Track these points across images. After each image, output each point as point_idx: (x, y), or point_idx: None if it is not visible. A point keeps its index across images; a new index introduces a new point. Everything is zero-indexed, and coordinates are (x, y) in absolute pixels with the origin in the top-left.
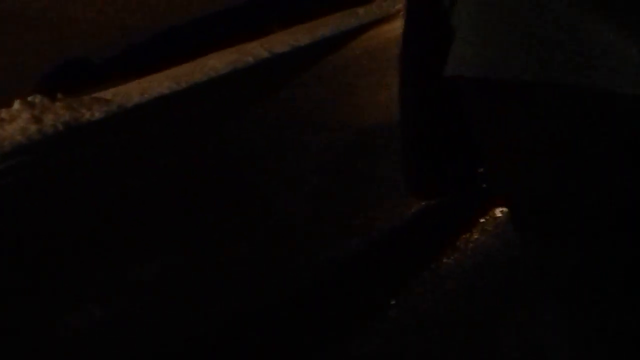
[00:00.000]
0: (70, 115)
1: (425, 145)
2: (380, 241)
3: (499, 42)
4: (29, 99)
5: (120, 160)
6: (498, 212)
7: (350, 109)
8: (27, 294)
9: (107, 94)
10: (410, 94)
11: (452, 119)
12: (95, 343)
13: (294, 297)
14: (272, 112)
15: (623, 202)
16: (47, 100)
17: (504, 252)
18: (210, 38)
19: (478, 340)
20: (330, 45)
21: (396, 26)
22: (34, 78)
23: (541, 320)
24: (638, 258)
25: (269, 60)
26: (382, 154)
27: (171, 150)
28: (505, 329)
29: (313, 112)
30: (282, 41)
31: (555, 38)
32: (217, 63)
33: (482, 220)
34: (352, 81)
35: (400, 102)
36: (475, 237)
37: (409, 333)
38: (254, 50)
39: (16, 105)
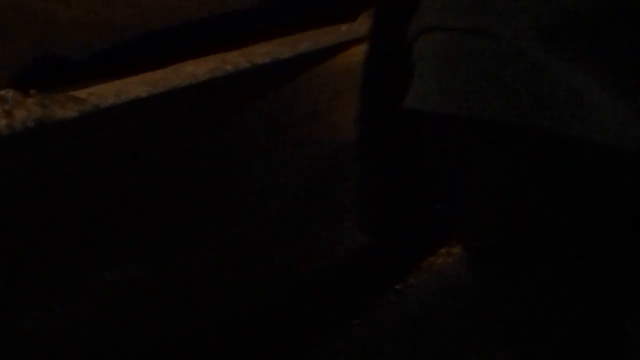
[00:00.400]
0: (42, 112)
1: (380, 179)
2: (345, 260)
3: (461, 79)
4: (1, 92)
5: (91, 160)
6: None
7: (328, 125)
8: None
9: (82, 93)
10: (368, 125)
11: (409, 153)
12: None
13: (255, 312)
14: (249, 122)
15: (581, 243)
16: (20, 95)
17: (469, 276)
18: (190, 44)
19: None
20: (311, 59)
21: None
22: (8, 72)
23: (504, 346)
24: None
25: (249, 70)
26: (356, 171)
27: (144, 154)
28: (468, 353)
29: (290, 125)
30: (263, 52)
31: (519, 79)
32: (196, 70)
33: (449, 243)
34: (331, 97)
35: (357, 133)
36: (442, 260)
37: (371, 353)
38: (234, 60)
39: None
